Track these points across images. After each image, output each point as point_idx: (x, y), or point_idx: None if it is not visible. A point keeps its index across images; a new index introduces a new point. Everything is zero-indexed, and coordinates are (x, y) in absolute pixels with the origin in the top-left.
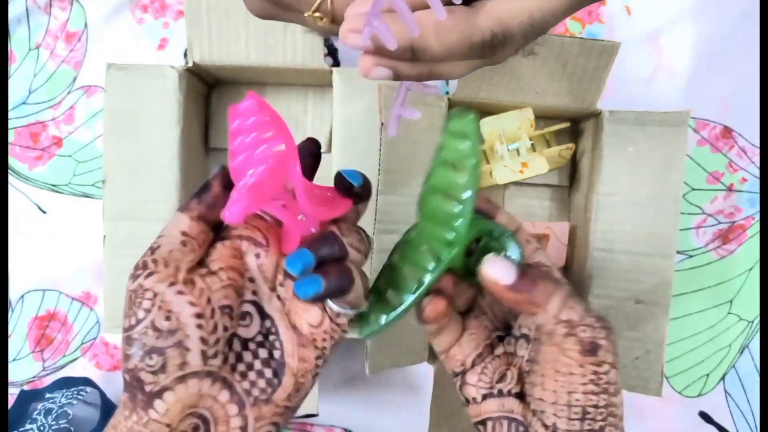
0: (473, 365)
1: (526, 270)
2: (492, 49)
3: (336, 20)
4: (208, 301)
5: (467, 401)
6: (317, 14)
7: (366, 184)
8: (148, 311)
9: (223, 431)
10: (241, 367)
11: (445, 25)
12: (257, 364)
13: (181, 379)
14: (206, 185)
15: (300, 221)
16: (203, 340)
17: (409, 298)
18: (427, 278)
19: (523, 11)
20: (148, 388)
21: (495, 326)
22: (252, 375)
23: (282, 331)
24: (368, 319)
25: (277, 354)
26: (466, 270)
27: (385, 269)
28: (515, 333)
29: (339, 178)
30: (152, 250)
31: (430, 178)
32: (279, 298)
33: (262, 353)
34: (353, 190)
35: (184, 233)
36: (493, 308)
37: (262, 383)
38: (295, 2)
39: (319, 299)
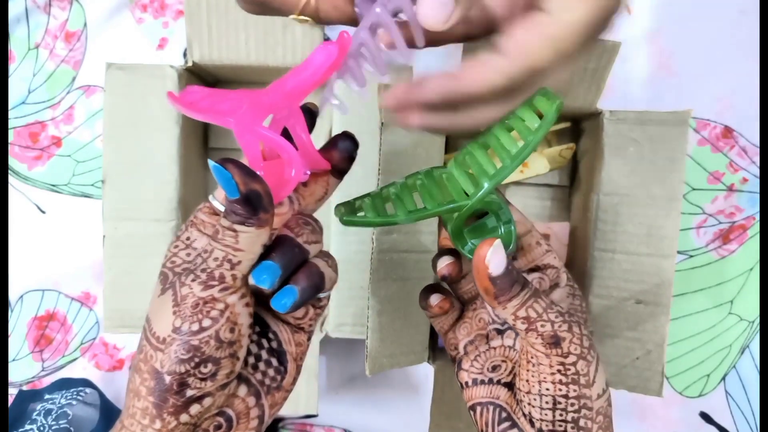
0: (466, 352)
1: (510, 270)
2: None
3: (321, 21)
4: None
5: (462, 386)
6: (302, 17)
7: (353, 157)
8: (215, 320)
9: (244, 423)
10: (251, 360)
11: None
12: (264, 354)
13: (224, 386)
14: (257, 194)
15: (297, 151)
16: (249, 350)
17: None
18: (531, 138)
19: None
20: (189, 393)
21: (493, 320)
22: (262, 365)
23: (272, 324)
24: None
25: (275, 344)
26: (459, 233)
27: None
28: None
29: (344, 138)
30: (231, 264)
31: (483, 135)
32: None
33: (265, 344)
34: (351, 154)
35: (263, 246)
36: None
37: (271, 372)
38: (280, 5)
39: (298, 307)
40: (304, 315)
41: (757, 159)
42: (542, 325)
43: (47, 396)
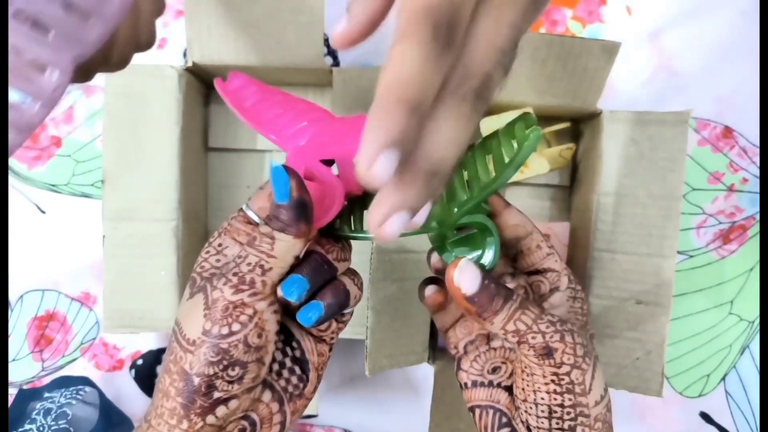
0: (466, 352)
1: (487, 285)
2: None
3: None
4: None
5: (461, 386)
6: None
7: None
8: (244, 325)
9: (267, 428)
10: (275, 366)
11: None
12: (288, 362)
13: (250, 389)
14: (304, 203)
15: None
16: (273, 356)
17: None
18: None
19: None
20: (216, 395)
21: None
22: (285, 373)
23: (296, 334)
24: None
25: (298, 353)
26: (441, 244)
27: None
28: None
29: None
30: (263, 270)
31: (465, 155)
32: None
33: (289, 352)
34: None
35: (296, 257)
36: None
37: (294, 380)
38: None
39: (322, 322)
40: (327, 328)
41: (757, 159)
42: (533, 337)
43: (46, 394)
